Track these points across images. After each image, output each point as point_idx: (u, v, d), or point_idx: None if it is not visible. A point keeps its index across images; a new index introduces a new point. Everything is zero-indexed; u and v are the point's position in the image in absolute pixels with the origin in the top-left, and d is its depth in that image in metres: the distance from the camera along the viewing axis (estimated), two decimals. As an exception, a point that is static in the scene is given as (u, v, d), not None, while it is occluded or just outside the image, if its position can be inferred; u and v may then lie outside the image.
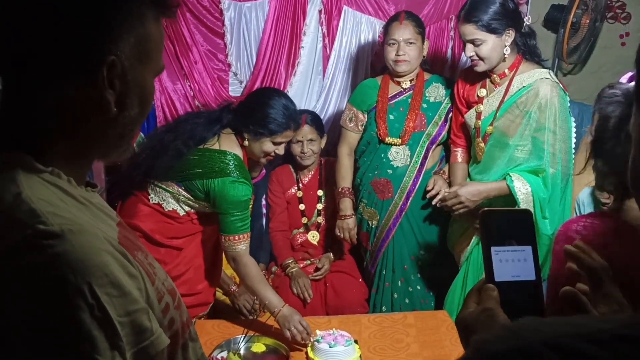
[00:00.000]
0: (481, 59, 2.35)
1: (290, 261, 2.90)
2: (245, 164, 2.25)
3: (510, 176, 2.37)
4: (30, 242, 0.67)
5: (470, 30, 2.32)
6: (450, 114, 2.72)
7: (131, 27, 0.77)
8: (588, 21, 3.38)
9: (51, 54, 0.73)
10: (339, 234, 2.83)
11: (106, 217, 0.82)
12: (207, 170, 2.17)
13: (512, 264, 0.81)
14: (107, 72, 0.75)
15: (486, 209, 0.84)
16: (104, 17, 0.75)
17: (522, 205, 2.32)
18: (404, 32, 2.61)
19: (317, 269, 2.93)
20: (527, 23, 2.41)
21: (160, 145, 2.21)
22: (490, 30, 2.31)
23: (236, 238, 2.20)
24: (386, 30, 2.69)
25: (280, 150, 2.29)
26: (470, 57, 2.38)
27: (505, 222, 0.85)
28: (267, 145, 2.24)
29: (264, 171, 2.87)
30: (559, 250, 1.24)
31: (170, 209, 2.27)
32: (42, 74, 0.74)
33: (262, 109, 2.21)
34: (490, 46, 2.32)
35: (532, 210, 1.47)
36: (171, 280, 0.91)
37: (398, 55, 2.62)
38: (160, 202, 2.27)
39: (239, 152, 2.23)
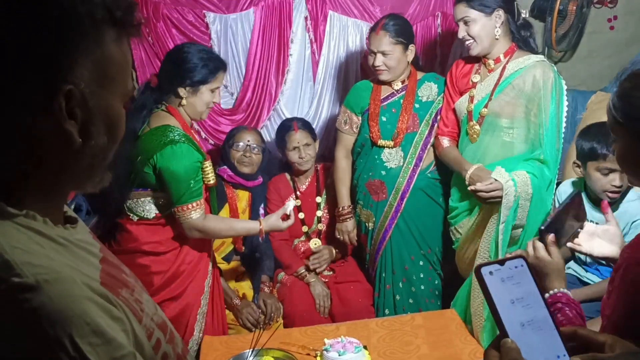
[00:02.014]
0: (473, 39, 2.42)
1: (303, 270, 2.90)
2: (188, 133, 2.21)
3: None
4: (5, 297, 0.64)
5: (461, 10, 2.42)
6: (441, 114, 2.71)
7: (88, 51, 0.72)
8: (575, 8, 3.37)
9: (2, 87, 0.69)
10: (338, 236, 2.88)
11: (88, 255, 0.79)
12: (146, 151, 2.13)
13: (522, 310, 0.82)
14: (66, 102, 0.70)
15: (478, 264, 0.84)
16: (56, 44, 0.70)
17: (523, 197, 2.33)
18: (380, 43, 2.61)
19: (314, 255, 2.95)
20: (524, 15, 2.48)
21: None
22: (479, 8, 2.39)
23: (189, 207, 2.15)
24: (368, 37, 2.72)
25: (217, 98, 2.29)
26: (462, 37, 2.45)
27: (503, 273, 0.84)
28: (206, 95, 2.23)
29: (260, 179, 2.88)
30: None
31: (153, 216, 2.25)
32: None
33: (186, 63, 2.18)
34: (480, 25, 2.40)
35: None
36: (162, 313, 0.88)
37: (375, 66, 2.65)
38: (142, 215, 2.25)
39: (173, 122, 2.18)
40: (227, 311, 2.64)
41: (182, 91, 2.19)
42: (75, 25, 0.70)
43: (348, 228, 2.85)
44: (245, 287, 2.84)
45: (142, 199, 2.23)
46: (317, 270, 2.92)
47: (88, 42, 0.72)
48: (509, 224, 2.35)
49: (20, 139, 0.72)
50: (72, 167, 0.76)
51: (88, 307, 0.67)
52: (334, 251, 2.99)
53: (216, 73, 2.24)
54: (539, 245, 1.34)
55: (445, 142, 2.63)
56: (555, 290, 1.30)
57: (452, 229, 2.64)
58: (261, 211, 2.90)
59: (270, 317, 2.69)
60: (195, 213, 2.17)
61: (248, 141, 2.81)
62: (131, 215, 2.25)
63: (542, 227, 1.36)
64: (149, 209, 2.24)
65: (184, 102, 2.21)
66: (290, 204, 2.25)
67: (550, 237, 1.35)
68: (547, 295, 1.31)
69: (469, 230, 2.53)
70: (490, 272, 0.83)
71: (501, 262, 0.86)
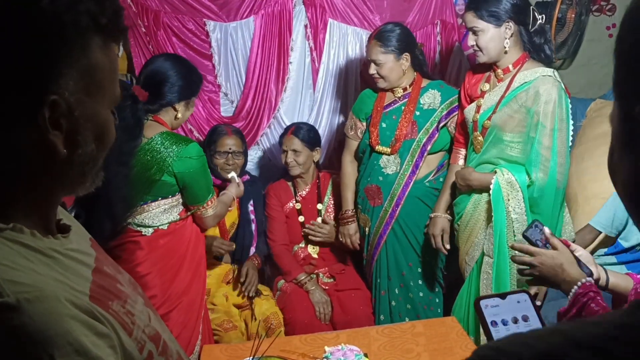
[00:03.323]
0: (480, 48, 2.39)
1: (304, 277, 2.90)
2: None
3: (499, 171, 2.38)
4: None
5: (470, 18, 2.38)
6: (444, 122, 2.71)
7: (73, 60, 0.71)
8: (574, 15, 3.38)
9: None
10: (341, 239, 2.89)
11: (79, 265, 0.77)
12: (160, 160, 2.16)
13: None
14: (50, 113, 0.69)
15: (478, 297, 0.83)
16: (40, 54, 0.68)
17: (509, 200, 2.34)
18: (371, 52, 2.67)
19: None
20: (540, 21, 2.41)
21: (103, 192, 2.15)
22: (488, 19, 2.35)
23: (209, 203, 2.29)
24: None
25: None
26: (471, 46, 2.43)
27: (504, 307, 0.83)
28: (194, 106, 2.37)
29: (246, 177, 2.92)
30: None
31: (166, 225, 2.25)
32: None
33: (184, 79, 2.25)
34: (488, 36, 2.36)
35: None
36: (156, 324, 0.86)
37: (370, 74, 2.69)
38: (156, 225, 2.24)
39: (164, 129, 2.23)
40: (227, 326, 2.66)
41: (178, 106, 2.26)
42: (59, 34, 0.69)
43: (350, 231, 2.86)
44: (234, 293, 2.83)
45: (155, 210, 2.23)
46: (311, 238, 2.98)
47: (73, 50, 0.71)
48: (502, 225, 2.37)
49: (6, 151, 0.70)
50: (62, 177, 0.75)
51: (71, 326, 0.66)
52: (333, 233, 3.00)
53: (202, 84, 2.38)
54: (539, 250, 1.34)
55: (460, 158, 2.63)
56: (584, 280, 1.31)
57: (455, 226, 2.63)
58: (250, 208, 2.91)
59: (247, 287, 2.73)
60: (211, 208, 2.31)
61: (230, 148, 2.84)
62: (143, 230, 2.24)
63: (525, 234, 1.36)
64: (166, 217, 2.25)
65: (179, 115, 2.27)
66: (231, 175, 2.62)
67: (547, 230, 1.34)
68: (575, 287, 1.31)
69: (465, 227, 2.53)
70: (490, 305, 0.82)
71: (502, 296, 0.84)
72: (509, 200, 2.34)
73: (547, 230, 1.37)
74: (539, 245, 1.34)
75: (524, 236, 1.36)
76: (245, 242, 2.85)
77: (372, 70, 2.67)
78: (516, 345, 0.49)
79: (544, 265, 1.34)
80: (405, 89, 2.73)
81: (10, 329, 0.63)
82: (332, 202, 3.06)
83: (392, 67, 2.65)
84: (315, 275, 2.98)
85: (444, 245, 2.64)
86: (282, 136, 3.00)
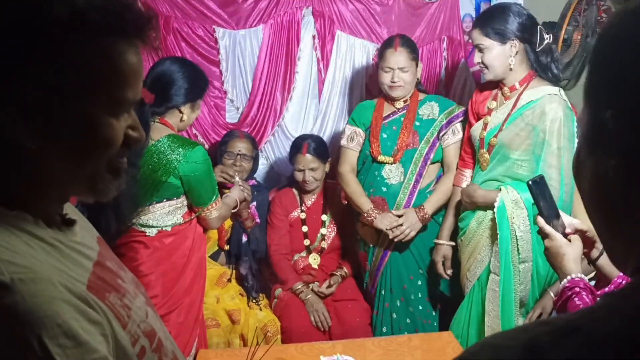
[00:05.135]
0: (486, 66, 2.41)
1: (300, 286, 2.90)
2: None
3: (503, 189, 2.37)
4: None
5: (476, 36, 2.41)
6: (444, 131, 2.73)
7: (56, 57, 0.70)
8: (579, 37, 3.41)
9: None
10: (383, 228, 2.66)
11: (81, 257, 0.78)
12: (167, 162, 2.18)
13: None
14: (17, 105, 0.70)
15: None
16: (30, 53, 0.69)
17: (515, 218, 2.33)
18: (399, 59, 2.64)
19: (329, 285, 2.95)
20: (547, 41, 2.41)
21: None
22: (493, 37, 2.36)
23: (213, 205, 2.32)
24: (381, 55, 2.72)
25: None
26: (477, 63, 2.46)
27: None
28: (199, 108, 2.38)
29: (253, 181, 2.94)
30: None
31: (170, 227, 2.27)
32: None
33: (189, 82, 2.27)
34: (494, 54, 2.37)
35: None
36: (153, 322, 0.87)
37: (393, 82, 2.67)
38: (161, 226, 2.26)
39: (170, 132, 2.25)
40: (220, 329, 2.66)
41: (183, 108, 2.28)
42: (45, 34, 0.69)
43: (383, 221, 2.66)
44: (225, 298, 2.81)
45: (160, 211, 2.26)
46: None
47: (54, 47, 0.70)
48: (507, 242, 2.36)
49: (6, 144, 0.71)
50: (64, 173, 0.76)
51: (61, 309, 0.67)
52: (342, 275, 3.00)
53: (207, 87, 2.39)
54: (553, 232, 1.34)
55: (464, 181, 2.61)
56: (573, 275, 1.33)
57: (459, 241, 2.62)
58: (252, 210, 2.91)
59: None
60: (216, 210, 2.34)
61: (239, 150, 2.86)
62: (148, 230, 2.25)
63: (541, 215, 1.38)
64: (170, 218, 2.27)
65: (184, 117, 2.29)
66: (235, 180, 2.68)
67: (575, 222, 1.34)
68: (565, 280, 1.34)
69: (468, 243, 2.53)
70: None
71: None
72: (513, 218, 2.34)
73: (575, 222, 1.36)
74: (538, 197, 1.35)
75: (527, 184, 1.37)
76: (242, 243, 2.88)
77: (397, 77, 2.64)
78: (509, 339, 0.53)
79: (550, 249, 1.36)
80: (405, 101, 2.76)
81: (2, 307, 0.64)
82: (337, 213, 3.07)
83: (414, 73, 2.70)
84: (312, 285, 2.97)
85: (445, 272, 2.67)
86: (293, 154, 2.95)
